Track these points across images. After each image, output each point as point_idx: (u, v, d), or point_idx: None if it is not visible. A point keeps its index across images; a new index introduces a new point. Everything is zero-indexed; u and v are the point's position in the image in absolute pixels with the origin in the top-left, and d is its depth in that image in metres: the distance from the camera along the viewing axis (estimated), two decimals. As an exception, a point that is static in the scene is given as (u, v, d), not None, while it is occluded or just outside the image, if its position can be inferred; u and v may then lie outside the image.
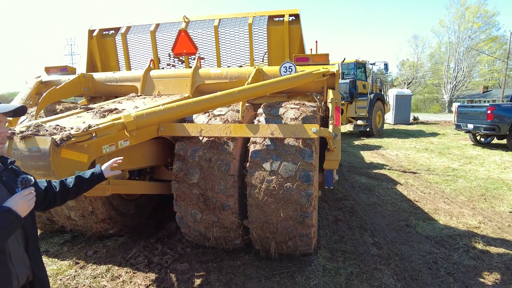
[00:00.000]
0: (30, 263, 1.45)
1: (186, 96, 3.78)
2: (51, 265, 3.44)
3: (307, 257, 3.50)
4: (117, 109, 3.00)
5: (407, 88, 42.61)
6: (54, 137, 2.10)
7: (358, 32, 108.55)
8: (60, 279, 3.18)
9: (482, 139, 12.11)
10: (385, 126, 18.08)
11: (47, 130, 2.24)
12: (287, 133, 2.99)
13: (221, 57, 4.67)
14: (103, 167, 1.92)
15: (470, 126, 11.30)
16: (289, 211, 2.98)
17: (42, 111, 3.65)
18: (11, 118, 2.19)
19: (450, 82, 46.35)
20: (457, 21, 45.34)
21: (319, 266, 3.34)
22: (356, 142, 13.68)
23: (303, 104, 3.43)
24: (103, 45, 5.07)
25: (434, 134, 15.87)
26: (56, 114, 3.18)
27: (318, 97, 4.13)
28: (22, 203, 1.29)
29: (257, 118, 3.34)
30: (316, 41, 7.73)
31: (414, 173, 7.90)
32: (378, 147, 12.18)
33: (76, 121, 2.65)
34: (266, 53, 4.62)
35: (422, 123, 23.34)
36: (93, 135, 2.27)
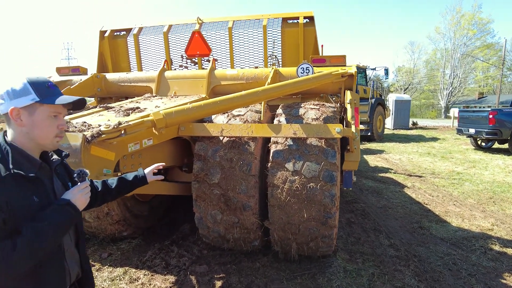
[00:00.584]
0: (80, 259, 1.41)
1: (204, 97, 3.76)
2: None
3: (326, 259, 3.46)
4: (139, 107, 2.97)
5: (404, 94, 42.96)
6: (85, 133, 2.06)
7: (355, 38, 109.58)
8: (77, 282, 3.11)
9: (483, 144, 12.19)
10: (385, 131, 18.16)
11: (75, 127, 2.20)
12: (310, 133, 2.98)
13: (234, 59, 4.66)
14: (146, 171, 1.84)
15: (472, 130, 11.38)
16: (312, 211, 2.95)
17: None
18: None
19: (446, 88, 46.84)
20: (452, 28, 46.00)
21: (340, 268, 3.31)
22: (358, 146, 13.69)
23: (323, 104, 3.42)
24: (114, 46, 5.04)
25: (434, 139, 15.96)
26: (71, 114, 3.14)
27: (333, 98, 4.13)
28: (80, 196, 1.26)
29: (277, 119, 3.33)
30: (322, 45, 7.76)
31: (420, 176, 7.91)
32: (380, 151, 12.21)
33: (99, 119, 2.61)
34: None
35: (421, 128, 23.49)
36: (122, 132, 2.24)
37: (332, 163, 2.93)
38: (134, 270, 3.32)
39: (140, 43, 4.93)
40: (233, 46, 4.61)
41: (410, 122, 23.83)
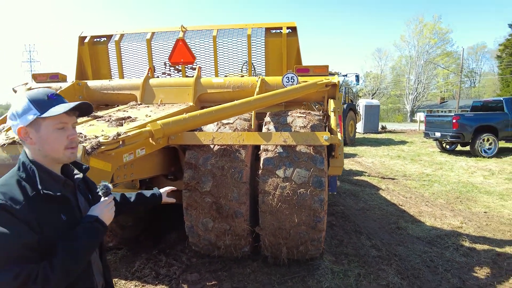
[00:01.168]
0: (103, 270, 1.42)
1: (191, 105, 3.79)
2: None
3: (314, 261, 3.58)
4: (130, 117, 2.95)
5: (372, 99, 44.76)
6: (84, 145, 2.05)
7: (326, 45, 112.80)
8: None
9: (448, 146, 13.01)
10: (356, 135, 18.85)
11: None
12: (300, 140, 3.10)
13: (218, 67, 4.72)
14: (162, 191, 1.92)
15: (438, 134, 12.12)
16: (302, 216, 3.06)
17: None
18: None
19: (411, 93, 49.37)
20: (416, 36, 48.77)
21: (327, 270, 3.44)
22: (332, 150, 14.11)
23: (309, 113, 3.56)
24: (94, 52, 4.93)
25: (403, 142, 16.78)
26: None
27: (316, 106, 4.30)
28: (106, 211, 1.27)
29: (265, 127, 3.43)
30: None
31: (393, 179, 8.31)
32: (353, 155, 12.67)
33: (92, 130, 2.58)
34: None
35: (390, 131, 24.59)
36: (121, 143, 2.23)
37: (321, 169, 3.07)
38: (123, 281, 3.27)
39: (122, 50, 4.87)
40: (218, 54, 4.67)
41: (380, 126, 24.88)
